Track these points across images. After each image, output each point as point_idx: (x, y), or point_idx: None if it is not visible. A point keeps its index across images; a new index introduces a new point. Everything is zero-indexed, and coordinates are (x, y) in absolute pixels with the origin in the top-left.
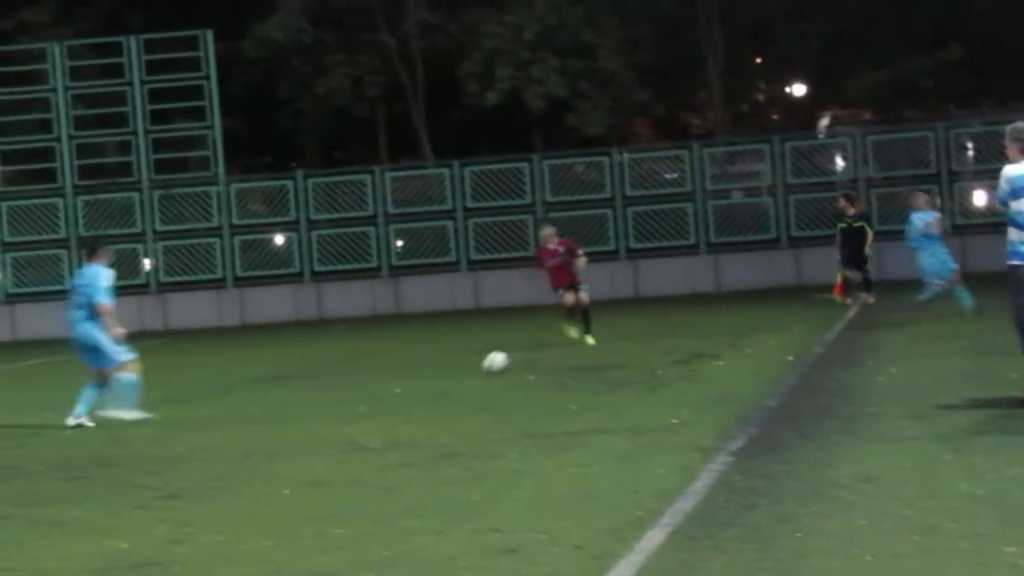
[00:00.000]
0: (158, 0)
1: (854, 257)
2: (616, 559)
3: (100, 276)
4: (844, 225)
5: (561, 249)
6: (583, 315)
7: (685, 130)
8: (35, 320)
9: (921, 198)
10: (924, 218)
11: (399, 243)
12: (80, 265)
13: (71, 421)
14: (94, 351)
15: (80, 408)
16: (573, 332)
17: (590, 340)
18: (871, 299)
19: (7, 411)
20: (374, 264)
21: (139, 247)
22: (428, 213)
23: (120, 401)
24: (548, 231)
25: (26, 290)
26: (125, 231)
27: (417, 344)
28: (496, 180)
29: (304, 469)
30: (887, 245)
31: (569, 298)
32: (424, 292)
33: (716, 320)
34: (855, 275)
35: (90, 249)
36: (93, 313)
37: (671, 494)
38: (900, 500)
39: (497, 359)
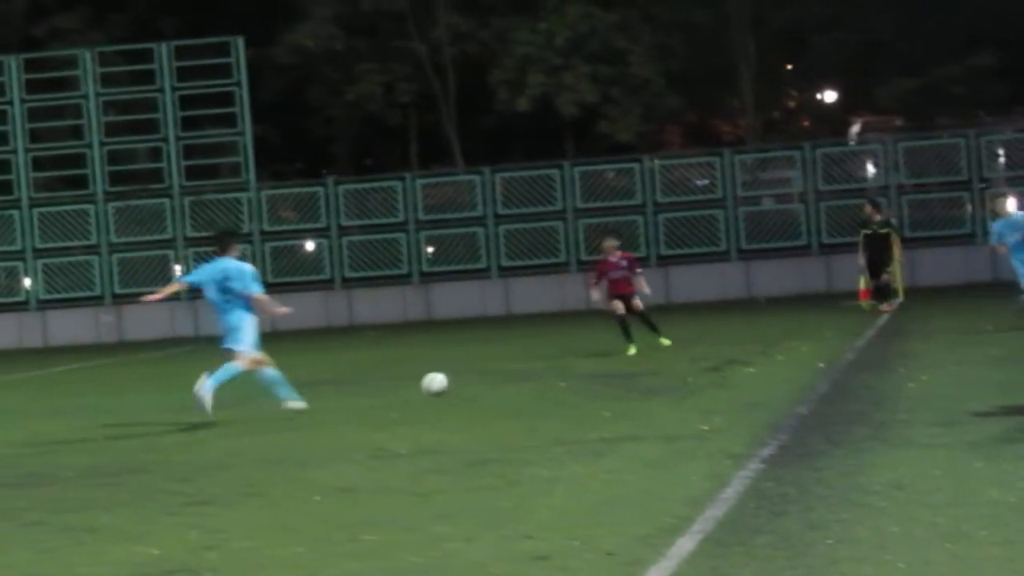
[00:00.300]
0: (189, 6)
1: (877, 263)
2: (647, 566)
3: (245, 269)
4: (869, 232)
5: (624, 262)
6: (644, 320)
7: (716, 137)
8: (65, 326)
9: (1000, 202)
10: (999, 224)
11: (430, 249)
12: (212, 260)
13: (292, 405)
14: (236, 335)
15: (283, 393)
16: (632, 348)
17: (665, 341)
18: (887, 308)
19: (38, 418)
20: (405, 271)
21: (170, 253)
22: (459, 220)
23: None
24: (611, 243)
25: (57, 296)
26: (155, 237)
27: (448, 350)
28: (527, 187)
29: (335, 475)
30: (919, 252)
31: (619, 306)
32: (455, 299)
33: (747, 327)
34: (879, 281)
35: (221, 245)
36: (242, 304)
37: (702, 501)
38: (931, 507)
39: (436, 380)
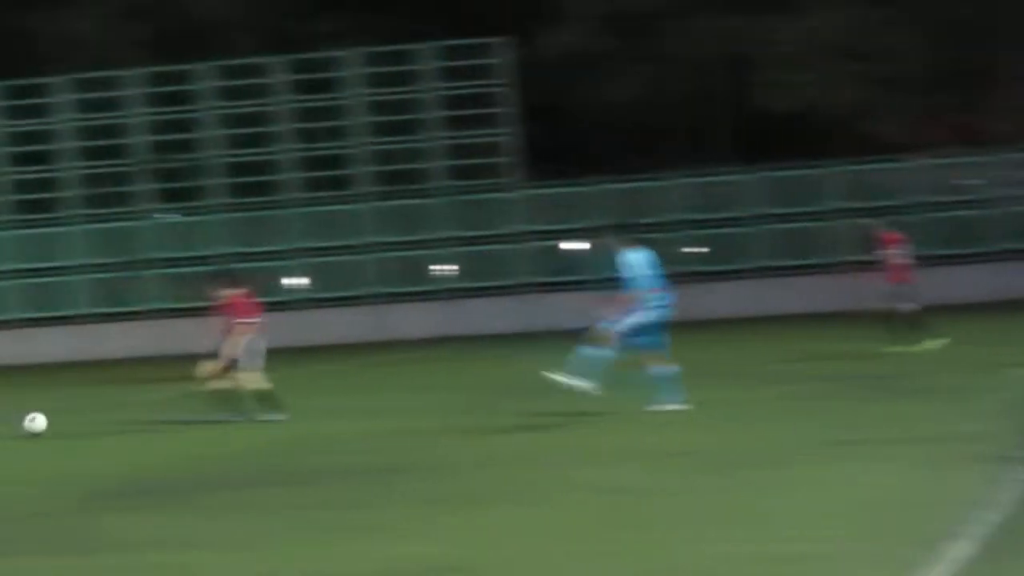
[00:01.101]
0: (452, 9)
1: None
2: (922, 568)
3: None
4: None
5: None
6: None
7: (986, 136)
8: (332, 325)
9: None
10: None
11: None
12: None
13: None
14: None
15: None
16: (931, 343)
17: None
18: None
19: (305, 418)
20: (677, 269)
21: (435, 253)
22: (722, 220)
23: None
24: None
25: (322, 295)
26: (416, 238)
27: (709, 354)
28: (793, 187)
29: (603, 476)
30: None
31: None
32: (723, 298)
33: (1021, 328)
34: None
35: (614, 239)
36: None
37: (976, 504)
38: None
39: (38, 421)
